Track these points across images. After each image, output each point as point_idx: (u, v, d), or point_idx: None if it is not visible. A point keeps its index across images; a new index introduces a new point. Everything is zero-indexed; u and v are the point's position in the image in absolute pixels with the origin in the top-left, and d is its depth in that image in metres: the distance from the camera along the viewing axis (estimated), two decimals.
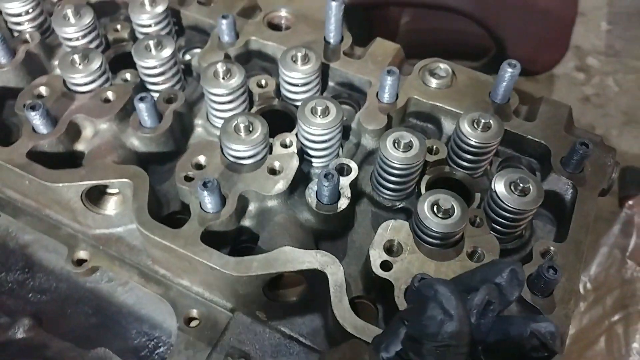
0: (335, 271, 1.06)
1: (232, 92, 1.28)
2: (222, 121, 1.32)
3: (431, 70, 1.37)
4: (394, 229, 1.14)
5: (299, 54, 1.31)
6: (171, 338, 1.29)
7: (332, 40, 1.41)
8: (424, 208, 1.10)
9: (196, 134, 1.40)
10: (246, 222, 1.23)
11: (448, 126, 1.35)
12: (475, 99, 1.33)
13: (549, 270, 1.04)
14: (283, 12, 1.51)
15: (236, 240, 1.24)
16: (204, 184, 1.10)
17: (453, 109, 1.32)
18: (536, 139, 1.28)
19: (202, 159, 1.23)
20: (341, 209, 1.18)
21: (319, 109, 1.22)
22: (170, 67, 1.36)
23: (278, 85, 1.38)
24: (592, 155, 1.22)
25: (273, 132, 1.25)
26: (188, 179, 1.21)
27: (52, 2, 1.60)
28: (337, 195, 1.18)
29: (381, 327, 1.02)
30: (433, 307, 0.77)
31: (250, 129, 1.21)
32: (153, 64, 1.33)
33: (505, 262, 0.85)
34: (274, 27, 1.50)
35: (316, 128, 1.22)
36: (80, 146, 1.31)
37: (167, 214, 1.28)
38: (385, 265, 1.09)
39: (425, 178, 1.26)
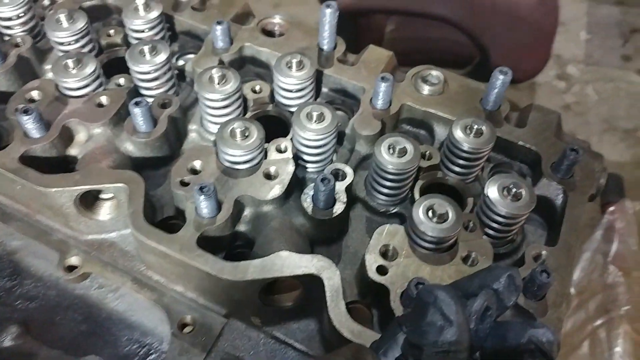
0: (331, 276, 1.07)
1: (227, 97, 1.29)
2: (216, 126, 1.32)
3: (423, 77, 1.39)
4: (389, 233, 1.15)
5: (294, 61, 1.32)
6: (163, 345, 1.28)
7: (325, 47, 1.42)
8: (419, 213, 1.12)
9: (190, 139, 1.40)
10: (241, 227, 1.23)
11: (440, 132, 1.37)
12: (467, 106, 1.35)
13: (542, 273, 1.05)
14: (277, 19, 1.52)
15: (231, 246, 1.24)
16: (201, 189, 1.10)
17: (445, 115, 1.34)
18: (527, 145, 1.30)
19: (197, 163, 1.24)
20: (337, 214, 1.19)
21: (315, 114, 1.23)
22: (165, 72, 1.36)
23: (272, 91, 1.39)
24: (581, 161, 1.24)
25: (267, 138, 1.26)
26: (184, 184, 1.21)
27: (44, 6, 1.59)
28: (332, 200, 1.19)
29: (377, 332, 1.03)
30: (433, 313, 0.78)
31: (246, 134, 1.21)
32: (147, 69, 1.33)
33: (502, 268, 0.86)
34: (268, 33, 1.51)
35: (312, 133, 1.22)
36: (73, 151, 1.30)
37: (161, 219, 1.28)
38: (381, 270, 1.10)
39: (419, 183, 1.27)
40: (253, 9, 1.61)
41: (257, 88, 1.39)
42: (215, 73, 1.28)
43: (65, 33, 1.39)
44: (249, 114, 1.37)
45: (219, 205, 1.16)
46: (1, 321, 1.29)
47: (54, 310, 1.31)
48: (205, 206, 1.13)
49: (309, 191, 1.21)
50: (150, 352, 1.29)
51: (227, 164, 1.23)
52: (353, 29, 2.82)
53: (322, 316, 1.12)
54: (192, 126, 1.40)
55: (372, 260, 1.11)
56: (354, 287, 1.20)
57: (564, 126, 1.39)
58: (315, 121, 1.23)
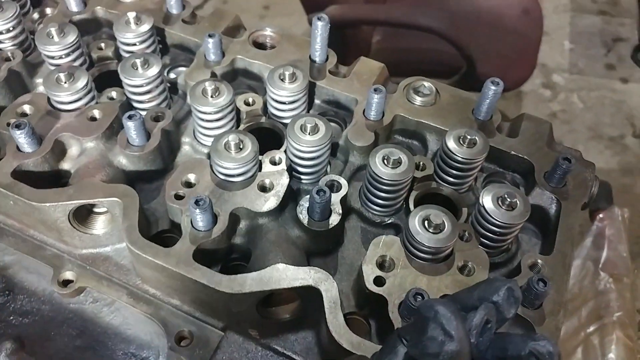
0: (329, 287, 1.07)
1: (220, 110, 1.28)
2: (209, 139, 1.32)
3: (415, 88, 1.40)
4: (385, 244, 1.15)
5: (287, 73, 1.33)
6: (159, 359, 1.27)
7: (317, 59, 1.43)
8: (415, 223, 1.12)
9: (183, 152, 1.39)
10: (237, 240, 1.23)
11: (433, 143, 1.38)
12: (459, 116, 1.36)
13: (539, 282, 1.06)
14: (268, 31, 1.53)
15: (227, 258, 1.24)
16: (197, 202, 1.10)
17: (438, 126, 1.35)
18: (520, 155, 1.31)
19: (192, 177, 1.23)
20: (333, 225, 1.19)
21: (309, 126, 1.23)
22: (157, 86, 1.36)
23: (265, 103, 1.39)
24: (573, 170, 1.26)
25: (261, 150, 1.26)
26: (178, 197, 1.20)
27: (33, 20, 1.59)
28: (328, 211, 1.19)
29: (375, 343, 1.03)
30: (434, 328, 0.78)
31: (241, 146, 1.21)
32: (140, 82, 1.33)
33: (501, 280, 0.86)
34: (259, 45, 1.51)
35: (306, 145, 1.23)
36: (66, 165, 1.30)
37: (155, 232, 1.27)
38: (379, 281, 1.10)
39: (413, 194, 1.28)
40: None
41: (250, 100, 1.39)
42: (209, 86, 1.28)
43: (56, 47, 1.38)
44: (242, 127, 1.37)
45: (214, 218, 1.16)
46: None
47: (48, 325, 1.30)
48: (201, 219, 1.13)
49: (304, 203, 1.21)
50: None
51: (222, 177, 1.23)
52: (340, 40, 2.83)
53: (320, 328, 1.12)
54: (185, 139, 1.40)
55: (369, 271, 1.11)
56: (351, 299, 1.20)
57: None
58: (310, 133, 1.24)
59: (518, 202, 1.16)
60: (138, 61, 1.33)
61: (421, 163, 1.30)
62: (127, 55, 1.44)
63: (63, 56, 1.40)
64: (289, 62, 1.38)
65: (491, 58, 2.95)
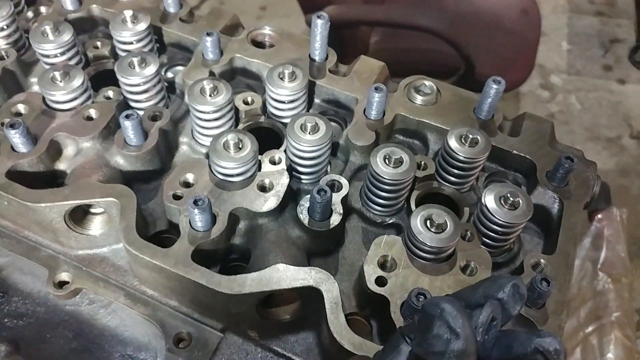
0: (330, 288, 1.05)
1: (219, 109, 1.27)
2: (207, 139, 1.31)
3: (416, 87, 1.39)
4: (387, 244, 1.13)
5: (286, 72, 1.31)
6: None
7: (317, 58, 1.42)
8: (417, 223, 1.11)
9: (181, 152, 1.38)
10: (236, 240, 1.21)
11: (434, 142, 1.36)
12: (460, 116, 1.34)
13: (542, 282, 1.05)
14: (266, 30, 1.51)
15: (226, 259, 1.23)
16: (195, 202, 1.08)
17: (439, 125, 1.33)
18: (521, 154, 1.30)
19: (190, 177, 1.22)
20: (333, 225, 1.17)
21: (309, 125, 1.21)
22: (155, 85, 1.34)
23: (264, 103, 1.38)
24: (576, 169, 1.24)
25: (260, 150, 1.24)
26: (176, 197, 1.18)
27: (27, 19, 1.57)
28: (329, 211, 1.18)
29: (377, 344, 1.02)
30: (439, 326, 0.77)
31: (240, 146, 1.20)
32: (137, 81, 1.31)
33: (506, 277, 0.85)
34: (258, 44, 1.50)
35: (306, 145, 1.21)
36: (61, 165, 1.28)
37: (153, 233, 1.25)
38: (380, 281, 1.09)
39: (415, 193, 1.27)
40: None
41: (249, 99, 1.38)
42: (207, 85, 1.26)
43: (51, 45, 1.36)
44: (241, 126, 1.36)
45: (213, 219, 1.14)
46: None
47: (43, 327, 1.28)
48: (199, 219, 1.11)
49: (304, 203, 1.20)
50: None
51: (221, 177, 1.21)
52: (338, 41, 2.83)
53: (321, 329, 1.11)
54: (183, 139, 1.38)
55: (371, 271, 1.10)
56: (352, 299, 1.19)
57: None
58: (310, 132, 1.22)
59: (521, 201, 1.15)
60: (135, 60, 1.31)
61: (422, 162, 1.29)
62: (123, 54, 1.42)
63: (58, 55, 1.38)
64: (287, 61, 1.36)
65: (489, 58, 2.95)
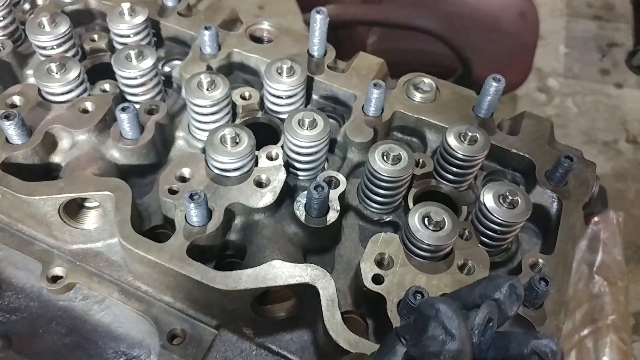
0: (326, 285, 1.04)
1: (216, 103, 1.26)
2: (204, 133, 1.30)
3: (415, 84, 1.38)
4: (384, 241, 1.12)
5: (285, 66, 1.30)
6: (151, 357, 1.24)
7: (315, 54, 1.41)
8: (415, 220, 1.10)
9: (177, 146, 1.37)
10: (232, 236, 1.20)
11: (433, 140, 1.36)
12: (459, 113, 1.34)
13: (541, 282, 1.04)
14: (265, 25, 1.50)
15: (222, 255, 1.21)
16: (191, 197, 1.07)
17: (438, 123, 1.33)
18: (520, 153, 1.29)
19: (186, 171, 1.20)
20: (330, 222, 1.16)
21: (307, 121, 1.20)
22: (152, 78, 1.33)
23: (262, 98, 1.36)
24: (575, 169, 1.24)
25: (257, 145, 1.23)
26: (172, 191, 1.17)
27: (24, 11, 1.55)
28: (326, 208, 1.16)
29: (372, 342, 1.00)
30: (435, 327, 0.76)
31: (237, 140, 1.18)
32: (134, 74, 1.30)
33: (503, 277, 0.84)
34: (256, 39, 1.49)
35: (303, 140, 1.20)
36: (56, 158, 1.26)
37: (148, 228, 1.24)
38: (377, 279, 1.08)
39: (413, 191, 1.26)
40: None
41: (247, 94, 1.36)
42: (204, 79, 1.25)
43: (48, 37, 1.35)
44: (238, 121, 1.35)
45: (209, 214, 1.13)
46: None
47: (36, 322, 1.26)
48: (195, 214, 1.10)
49: (301, 199, 1.18)
50: None
51: (217, 172, 1.20)
52: (335, 41, 2.82)
53: (316, 327, 1.10)
54: (180, 133, 1.37)
55: (368, 269, 1.09)
56: (348, 297, 1.18)
57: None
58: (308, 128, 1.21)
59: (519, 200, 1.14)
60: (132, 53, 1.30)
61: (421, 160, 1.28)
62: (120, 47, 1.41)
63: (54, 46, 1.36)
64: (286, 56, 1.35)
65: (487, 60, 2.95)
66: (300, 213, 1.17)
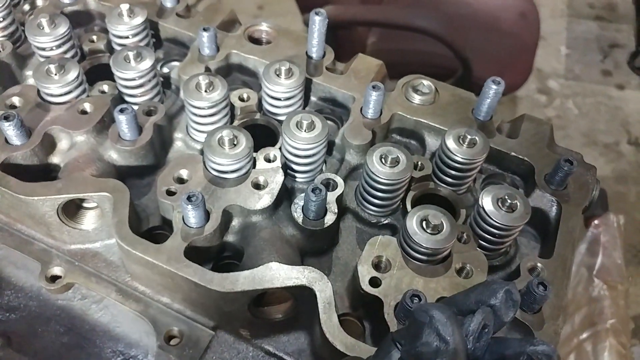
0: (323, 288, 1.04)
1: (214, 105, 1.26)
2: (202, 135, 1.30)
3: (414, 86, 1.38)
4: (382, 244, 1.12)
5: (283, 68, 1.30)
6: (148, 357, 1.24)
7: (314, 55, 1.41)
8: (413, 223, 1.09)
9: (175, 147, 1.37)
10: (230, 238, 1.20)
11: (431, 142, 1.35)
12: (458, 116, 1.33)
13: (539, 286, 1.04)
14: (264, 26, 1.50)
15: (219, 256, 1.21)
16: (189, 198, 1.07)
17: (437, 125, 1.32)
18: (520, 156, 1.29)
19: (184, 172, 1.20)
20: (328, 225, 1.16)
21: (305, 123, 1.20)
22: (150, 79, 1.33)
23: (260, 100, 1.36)
24: (575, 172, 1.23)
25: (255, 147, 1.23)
26: (170, 193, 1.17)
27: (24, 12, 1.55)
28: (323, 210, 1.16)
29: (369, 345, 1.00)
30: (428, 334, 0.76)
31: (235, 142, 1.18)
32: (132, 75, 1.30)
33: (499, 283, 0.84)
34: (255, 41, 1.49)
35: (302, 142, 1.20)
36: (55, 159, 1.27)
37: (146, 229, 1.24)
38: (374, 282, 1.08)
39: (411, 194, 1.26)
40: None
41: (245, 96, 1.36)
42: (203, 80, 1.25)
43: (47, 38, 1.35)
44: (236, 123, 1.35)
45: (207, 215, 1.13)
46: None
47: (35, 321, 1.27)
48: (193, 215, 1.10)
49: (299, 201, 1.18)
50: None
51: (215, 173, 1.20)
52: (334, 41, 2.82)
53: (313, 329, 1.10)
54: (178, 135, 1.37)
55: (365, 272, 1.08)
56: (345, 300, 1.17)
57: None
58: (306, 130, 1.21)
59: (518, 203, 1.14)
60: (131, 54, 1.30)
61: (419, 163, 1.28)
62: (119, 48, 1.41)
63: (54, 47, 1.36)
64: (284, 58, 1.35)
65: (487, 61, 2.94)
66: (298, 215, 1.17)
